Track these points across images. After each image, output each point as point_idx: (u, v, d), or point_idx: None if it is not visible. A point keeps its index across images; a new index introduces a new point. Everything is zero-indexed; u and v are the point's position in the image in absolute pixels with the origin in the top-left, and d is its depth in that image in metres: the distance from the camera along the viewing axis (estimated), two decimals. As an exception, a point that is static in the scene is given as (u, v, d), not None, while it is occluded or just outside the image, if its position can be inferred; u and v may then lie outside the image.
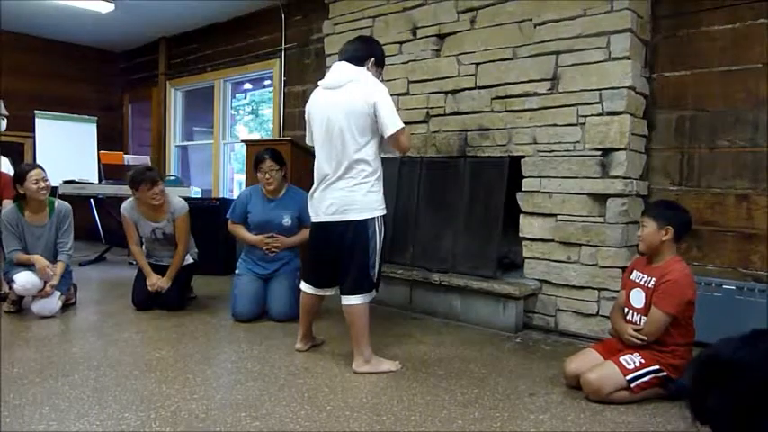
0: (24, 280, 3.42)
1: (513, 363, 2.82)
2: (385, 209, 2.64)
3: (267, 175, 3.46)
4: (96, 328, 3.33)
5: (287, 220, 3.52)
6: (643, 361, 2.29)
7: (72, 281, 3.76)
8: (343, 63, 2.62)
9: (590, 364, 2.37)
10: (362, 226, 2.55)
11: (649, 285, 2.36)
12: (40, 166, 3.53)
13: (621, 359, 2.31)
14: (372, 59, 2.66)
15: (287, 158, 4.10)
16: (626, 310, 2.47)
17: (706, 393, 0.96)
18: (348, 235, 2.56)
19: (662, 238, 2.34)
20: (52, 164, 6.14)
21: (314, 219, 2.71)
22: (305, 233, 3.51)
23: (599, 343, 2.60)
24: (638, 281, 2.43)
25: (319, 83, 2.68)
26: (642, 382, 2.27)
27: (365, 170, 2.55)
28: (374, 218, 2.57)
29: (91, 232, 6.33)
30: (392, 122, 2.50)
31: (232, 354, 2.88)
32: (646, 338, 2.31)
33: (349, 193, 2.55)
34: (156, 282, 3.63)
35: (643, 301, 2.38)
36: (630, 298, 2.44)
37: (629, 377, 2.26)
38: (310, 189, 2.72)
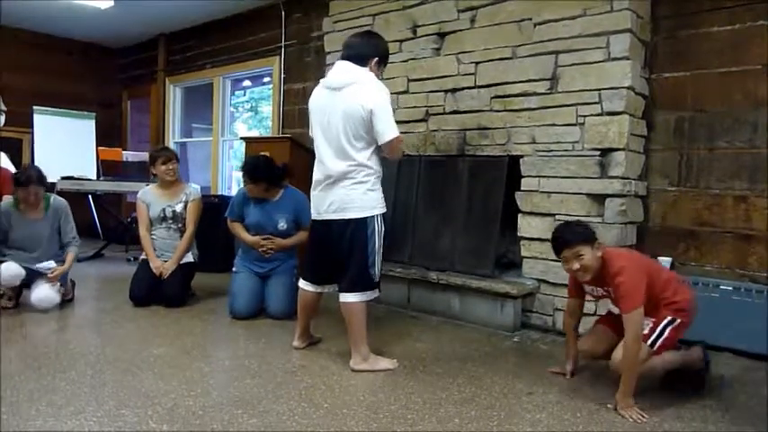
0: (4, 268, 3.40)
1: (511, 362, 2.83)
2: (385, 207, 2.64)
3: (254, 189, 3.49)
4: (94, 324, 3.33)
5: (282, 224, 3.50)
6: (654, 320, 2.30)
7: (69, 276, 3.75)
8: (346, 63, 2.59)
9: (605, 343, 2.40)
10: (362, 224, 2.55)
11: (611, 291, 2.37)
12: (39, 179, 3.47)
13: None
14: (376, 59, 2.62)
15: (286, 156, 4.11)
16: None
17: None
18: (347, 233, 2.56)
19: (597, 255, 2.33)
20: (50, 160, 6.22)
21: (315, 216, 2.71)
22: (301, 235, 3.50)
23: (604, 316, 2.61)
24: (599, 294, 2.45)
25: (321, 80, 2.67)
26: (663, 341, 2.27)
27: (364, 170, 2.55)
28: (374, 216, 2.57)
29: (89, 228, 6.31)
30: (386, 131, 2.50)
31: (230, 351, 2.89)
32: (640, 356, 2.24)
33: (349, 192, 2.55)
34: (160, 265, 3.68)
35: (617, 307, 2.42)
36: (611, 308, 2.50)
37: (649, 342, 2.27)
38: (310, 187, 2.72)
